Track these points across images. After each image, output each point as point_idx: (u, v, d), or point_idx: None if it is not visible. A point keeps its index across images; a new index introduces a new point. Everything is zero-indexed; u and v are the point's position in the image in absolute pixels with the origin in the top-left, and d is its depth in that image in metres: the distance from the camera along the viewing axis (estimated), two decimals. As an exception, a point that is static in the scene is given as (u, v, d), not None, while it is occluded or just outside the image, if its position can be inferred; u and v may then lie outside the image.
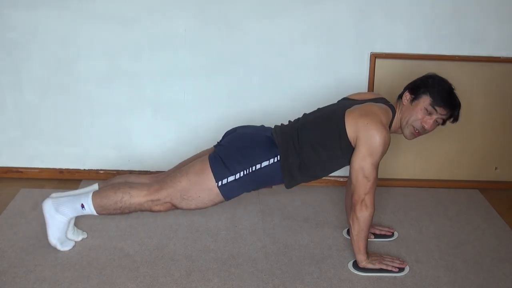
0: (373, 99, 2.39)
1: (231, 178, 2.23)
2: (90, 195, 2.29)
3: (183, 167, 2.33)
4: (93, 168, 3.09)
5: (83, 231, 2.50)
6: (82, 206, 2.29)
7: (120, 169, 3.09)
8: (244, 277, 2.25)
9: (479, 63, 2.94)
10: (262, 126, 2.43)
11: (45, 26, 2.83)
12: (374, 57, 2.90)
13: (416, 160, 3.12)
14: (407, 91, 2.34)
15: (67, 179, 3.07)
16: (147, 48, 2.88)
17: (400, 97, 2.37)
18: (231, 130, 2.43)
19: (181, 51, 2.89)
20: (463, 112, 3.04)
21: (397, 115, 2.35)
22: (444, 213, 2.85)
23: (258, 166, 2.24)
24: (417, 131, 2.31)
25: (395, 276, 2.29)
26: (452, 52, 2.91)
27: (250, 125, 2.46)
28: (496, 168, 3.15)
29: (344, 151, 2.26)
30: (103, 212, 2.30)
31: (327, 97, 2.99)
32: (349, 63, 2.93)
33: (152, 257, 2.36)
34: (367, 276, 2.28)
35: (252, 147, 2.27)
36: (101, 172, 3.08)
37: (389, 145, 2.23)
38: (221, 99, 2.98)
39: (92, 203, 2.28)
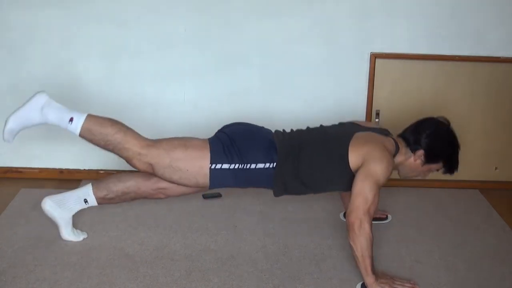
0: (376, 129, 2.38)
1: (225, 166, 2.22)
2: (86, 115, 2.24)
3: (181, 138, 2.30)
4: (93, 168, 3.09)
5: (83, 231, 2.50)
6: (71, 119, 2.22)
7: (120, 169, 3.08)
8: (244, 277, 2.25)
9: (479, 63, 2.94)
10: (263, 127, 2.42)
11: (45, 26, 2.83)
12: (374, 57, 2.90)
13: (416, 160, 3.12)
14: (423, 153, 2.29)
15: (67, 179, 3.07)
16: (147, 48, 2.88)
17: (403, 138, 2.36)
18: (230, 124, 2.41)
19: (181, 51, 2.89)
20: (463, 111, 3.05)
21: (400, 157, 2.33)
22: (444, 213, 2.85)
23: (253, 166, 2.24)
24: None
25: (395, 276, 2.28)
26: (452, 52, 2.92)
27: (251, 123, 2.44)
28: (496, 168, 3.15)
29: (343, 177, 2.24)
30: (87, 135, 2.23)
31: (327, 97, 2.99)
32: (349, 63, 2.93)
33: (152, 257, 2.36)
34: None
35: (254, 146, 2.26)
36: (101, 172, 3.08)
37: (391, 172, 2.22)
38: (221, 99, 2.98)
39: (84, 121, 2.22)
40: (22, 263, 2.28)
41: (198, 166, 2.22)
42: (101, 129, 2.23)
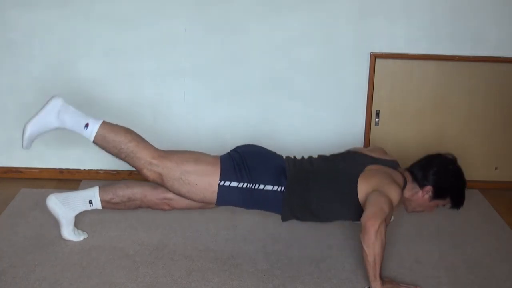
0: (386, 161, 2.37)
1: (234, 184, 2.24)
2: (101, 121, 2.26)
3: (193, 152, 2.32)
4: (93, 168, 3.09)
5: (83, 231, 2.50)
6: (87, 125, 2.24)
7: (120, 169, 3.09)
8: (244, 277, 2.25)
9: (479, 63, 2.95)
10: (275, 152, 2.41)
11: (45, 26, 2.83)
12: (374, 57, 2.90)
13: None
14: (432, 188, 2.30)
15: (67, 179, 3.07)
16: (147, 48, 2.88)
17: (411, 172, 2.35)
18: (243, 145, 2.42)
19: (181, 51, 2.89)
20: (463, 111, 3.05)
21: (408, 192, 2.33)
22: (444, 213, 2.84)
23: (261, 187, 2.25)
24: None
25: (395, 276, 2.29)
26: (452, 52, 2.92)
27: (263, 147, 2.43)
28: (496, 168, 3.16)
29: (351, 210, 2.27)
30: (101, 142, 2.26)
31: (327, 97, 2.99)
32: (349, 63, 2.93)
33: (152, 257, 2.36)
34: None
35: (265, 167, 2.29)
36: (101, 172, 3.09)
37: (398, 203, 2.23)
38: (221, 99, 2.99)
39: (99, 127, 2.24)
40: (22, 263, 2.28)
41: (207, 181, 2.24)
42: (115, 137, 2.25)
